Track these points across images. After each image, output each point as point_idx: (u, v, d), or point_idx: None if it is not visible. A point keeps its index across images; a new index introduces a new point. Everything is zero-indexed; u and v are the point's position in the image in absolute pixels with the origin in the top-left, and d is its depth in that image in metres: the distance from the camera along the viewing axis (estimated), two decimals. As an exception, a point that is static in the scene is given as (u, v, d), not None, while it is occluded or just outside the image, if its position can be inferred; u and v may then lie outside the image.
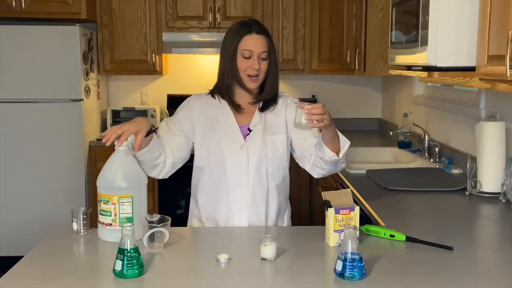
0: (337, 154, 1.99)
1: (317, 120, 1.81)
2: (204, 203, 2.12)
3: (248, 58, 2.02)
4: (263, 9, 4.37)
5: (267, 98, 2.11)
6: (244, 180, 2.06)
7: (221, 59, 2.09)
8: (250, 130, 2.09)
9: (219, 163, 2.06)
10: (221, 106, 2.10)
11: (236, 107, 2.09)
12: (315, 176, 2.14)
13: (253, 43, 2.02)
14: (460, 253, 1.69)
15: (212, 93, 2.13)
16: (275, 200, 2.12)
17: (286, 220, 2.21)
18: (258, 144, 2.06)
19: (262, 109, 2.12)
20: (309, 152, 2.08)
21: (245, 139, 2.07)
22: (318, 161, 2.05)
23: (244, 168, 2.05)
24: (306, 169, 2.13)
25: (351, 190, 2.28)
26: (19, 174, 4.08)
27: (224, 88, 2.08)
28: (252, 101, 2.11)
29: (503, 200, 2.28)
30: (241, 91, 2.09)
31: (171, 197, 4.13)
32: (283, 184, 2.15)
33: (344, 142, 2.02)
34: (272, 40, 2.08)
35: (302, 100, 4.52)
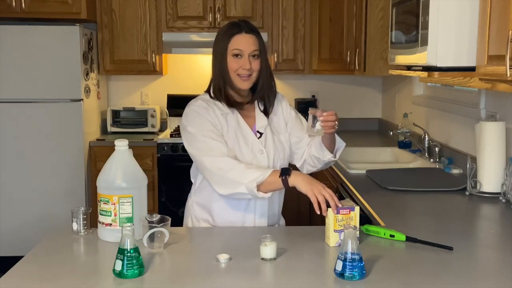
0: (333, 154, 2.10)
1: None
2: (221, 208, 2.08)
3: (239, 58, 2.01)
4: (263, 9, 4.37)
5: (261, 96, 2.08)
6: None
7: (213, 61, 2.07)
8: (260, 133, 2.09)
9: None
10: (229, 110, 2.07)
11: (238, 107, 2.07)
12: (304, 172, 2.18)
13: (243, 42, 2.00)
14: (460, 253, 1.69)
15: (216, 96, 2.08)
16: (282, 196, 2.18)
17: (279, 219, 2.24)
18: (272, 146, 2.08)
19: (266, 113, 2.12)
20: (302, 150, 2.15)
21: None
22: (311, 159, 2.12)
23: None
24: (296, 165, 2.17)
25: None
26: (19, 174, 4.08)
27: (217, 89, 2.06)
28: (246, 100, 2.09)
29: (503, 200, 2.28)
30: (234, 93, 2.07)
31: (171, 197, 4.13)
32: None
33: (340, 143, 2.11)
34: (262, 39, 2.06)
35: (301, 100, 4.54)
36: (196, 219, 2.15)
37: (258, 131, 2.09)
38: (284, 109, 2.18)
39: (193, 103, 2.08)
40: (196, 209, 2.15)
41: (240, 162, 1.95)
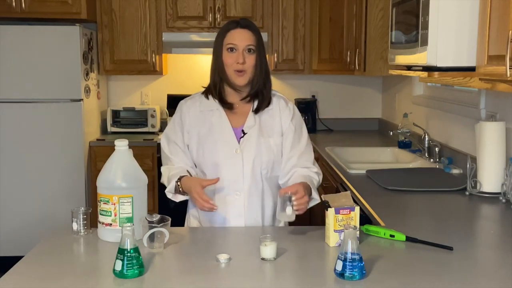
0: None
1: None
2: None
3: (234, 52, 2.01)
4: (263, 9, 4.37)
5: (255, 92, 2.06)
6: (239, 185, 2.04)
7: (212, 58, 2.09)
8: (244, 133, 2.06)
9: (214, 168, 2.04)
10: (215, 108, 2.07)
11: (228, 107, 2.07)
12: None
13: (237, 37, 2.01)
14: (460, 253, 1.69)
15: (206, 93, 2.11)
16: (270, 200, 2.11)
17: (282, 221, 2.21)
18: (253, 147, 2.04)
19: (256, 111, 2.08)
20: (285, 171, 2.10)
21: (239, 142, 2.05)
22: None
23: (239, 172, 2.04)
24: (279, 182, 2.12)
25: (350, 192, 2.28)
26: (19, 174, 4.08)
27: (213, 86, 2.07)
28: (242, 97, 2.08)
29: (503, 200, 2.28)
30: (231, 90, 2.07)
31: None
32: (277, 182, 2.14)
33: (314, 200, 2.02)
34: (259, 35, 2.05)
35: (301, 100, 4.53)
36: (189, 214, 2.19)
37: (242, 130, 2.07)
38: (283, 118, 2.10)
39: (182, 100, 2.16)
40: (190, 206, 2.19)
41: (169, 170, 2.08)
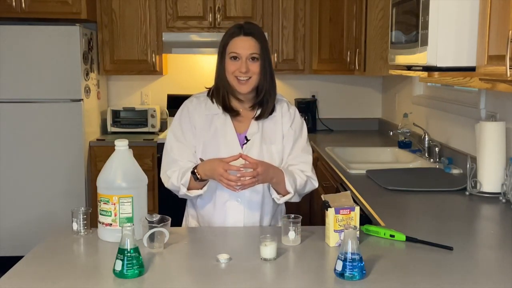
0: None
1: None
2: (202, 207, 2.11)
3: (237, 60, 1.99)
4: (263, 9, 4.37)
5: (260, 101, 2.05)
6: (240, 192, 2.02)
7: (216, 62, 2.08)
8: (247, 139, 2.06)
9: None
10: (220, 112, 2.06)
11: (231, 113, 2.06)
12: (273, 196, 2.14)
13: (240, 45, 1.99)
14: (460, 253, 1.69)
15: (211, 97, 2.09)
16: (269, 205, 2.12)
17: (280, 222, 2.20)
18: (255, 155, 2.02)
19: (257, 118, 2.07)
20: None
21: (242, 148, 2.04)
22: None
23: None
24: None
25: (350, 192, 2.28)
26: (19, 174, 4.08)
27: (216, 91, 2.06)
28: (249, 105, 2.07)
29: (503, 200, 2.28)
30: (234, 98, 2.06)
31: (171, 197, 4.12)
32: None
33: (289, 193, 2.02)
34: (264, 41, 2.03)
35: (301, 100, 4.53)
36: (188, 213, 2.19)
37: (245, 137, 2.06)
38: (284, 123, 2.10)
39: (188, 99, 2.13)
40: (189, 204, 2.19)
41: (179, 168, 2.01)
